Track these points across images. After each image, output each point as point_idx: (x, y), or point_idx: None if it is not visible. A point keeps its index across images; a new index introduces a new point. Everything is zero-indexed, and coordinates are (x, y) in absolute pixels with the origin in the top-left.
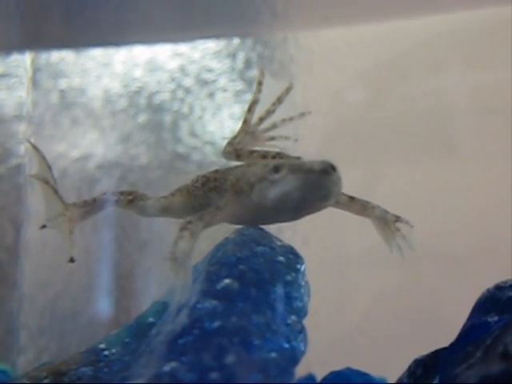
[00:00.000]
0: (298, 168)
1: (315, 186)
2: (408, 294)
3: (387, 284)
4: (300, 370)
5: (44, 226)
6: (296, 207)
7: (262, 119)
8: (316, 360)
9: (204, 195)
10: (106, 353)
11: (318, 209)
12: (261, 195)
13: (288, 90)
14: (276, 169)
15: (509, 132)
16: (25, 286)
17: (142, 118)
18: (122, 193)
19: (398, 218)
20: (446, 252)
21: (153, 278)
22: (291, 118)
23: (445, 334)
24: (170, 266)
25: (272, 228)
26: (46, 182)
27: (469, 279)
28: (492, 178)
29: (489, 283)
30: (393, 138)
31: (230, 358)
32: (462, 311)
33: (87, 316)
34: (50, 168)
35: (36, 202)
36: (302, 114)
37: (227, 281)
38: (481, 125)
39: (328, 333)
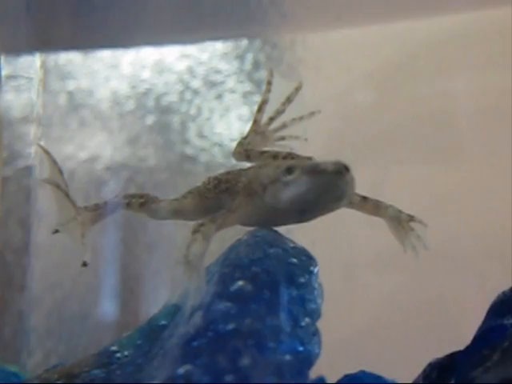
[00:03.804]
0: (312, 169)
1: (329, 187)
2: (417, 296)
3: (396, 286)
4: (310, 373)
5: (56, 231)
6: (309, 208)
7: (271, 119)
8: (326, 362)
9: (216, 197)
10: (119, 355)
11: (331, 210)
12: (274, 197)
13: (297, 89)
14: (289, 170)
15: None
16: (33, 288)
17: (150, 119)
18: (133, 196)
19: (411, 218)
20: (455, 254)
21: (161, 281)
22: (301, 118)
23: (455, 337)
24: (183, 269)
25: (281, 230)
26: (58, 186)
27: (478, 281)
28: (500, 180)
29: (499, 286)
30: (400, 139)
31: (244, 361)
32: (472, 314)
33: (95, 318)
34: (61, 172)
35: (45, 203)
36: (312, 114)
37: (241, 283)
38: (488, 126)
39: (337, 335)
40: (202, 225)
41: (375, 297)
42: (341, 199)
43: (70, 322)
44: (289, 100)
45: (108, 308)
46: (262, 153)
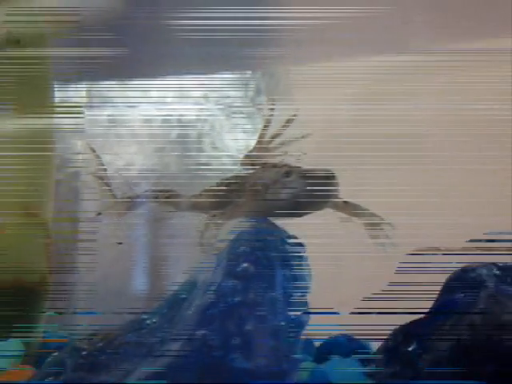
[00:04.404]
0: (305, 174)
1: (319, 189)
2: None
3: (372, 272)
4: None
5: (99, 214)
6: (302, 205)
7: (273, 138)
8: (312, 328)
9: (227, 195)
10: (148, 322)
11: (319, 208)
12: (274, 195)
13: (294, 116)
14: (287, 174)
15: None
16: (79, 270)
17: (173, 134)
18: (160, 190)
19: (382, 220)
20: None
21: (182, 263)
22: (296, 138)
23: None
24: (198, 251)
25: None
26: (101, 179)
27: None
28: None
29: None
30: (375, 149)
31: (248, 326)
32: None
33: (129, 294)
34: (105, 169)
35: (90, 202)
36: (305, 135)
37: (245, 265)
38: (446, 137)
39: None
40: (214, 216)
41: (354, 278)
42: (327, 198)
43: (108, 297)
44: (287, 123)
45: (139, 285)
46: (265, 163)
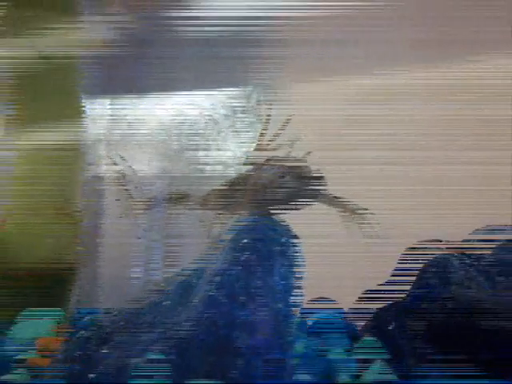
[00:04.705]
0: (298, 175)
1: (309, 187)
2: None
3: (354, 256)
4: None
5: (121, 216)
6: (296, 201)
7: (271, 141)
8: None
9: (231, 194)
10: (163, 303)
11: (303, 195)
12: (272, 195)
13: (288, 120)
14: (282, 175)
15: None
16: (103, 258)
17: (183, 140)
18: (174, 192)
19: (365, 211)
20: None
21: (191, 252)
22: (290, 142)
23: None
24: (206, 241)
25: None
26: (121, 183)
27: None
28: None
29: None
30: (360, 152)
31: (251, 307)
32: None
33: (145, 278)
34: (124, 174)
35: (110, 201)
36: (297, 139)
37: (248, 254)
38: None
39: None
40: (220, 212)
41: (339, 263)
42: (317, 196)
43: (127, 279)
44: (282, 128)
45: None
46: (262, 164)
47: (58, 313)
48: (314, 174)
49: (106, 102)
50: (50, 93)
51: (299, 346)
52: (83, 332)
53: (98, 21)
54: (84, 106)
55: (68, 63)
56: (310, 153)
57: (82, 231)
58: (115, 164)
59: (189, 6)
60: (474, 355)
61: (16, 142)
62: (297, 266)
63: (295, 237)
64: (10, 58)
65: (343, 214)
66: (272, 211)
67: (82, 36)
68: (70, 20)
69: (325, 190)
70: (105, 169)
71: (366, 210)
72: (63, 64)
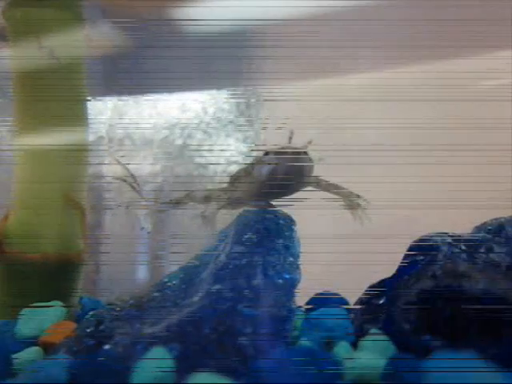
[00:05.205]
0: (279, 152)
1: (290, 163)
2: (359, 248)
3: (340, 248)
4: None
5: (127, 207)
6: (282, 179)
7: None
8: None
9: (232, 184)
10: (169, 284)
11: (299, 182)
12: (258, 172)
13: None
14: (266, 153)
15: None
16: (102, 253)
17: (178, 141)
18: (170, 200)
19: (359, 196)
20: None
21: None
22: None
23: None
24: (200, 221)
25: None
26: (124, 181)
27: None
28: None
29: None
30: (343, 152)
31: (254, 282)
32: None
33: (146, 271)
34: (129, 171)
35: (112, 198)
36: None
37: (249, 235)
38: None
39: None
40: (218, 195)
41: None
42: (302, 173)
43: (127, 273)
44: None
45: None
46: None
47: (60, 308)
48: (296, 150)
49: (107, 102)
50: (56, 91)
51: (299, 320)
52: (95, 311)
53: (100, 20)
54: (88, 106)
55: (73, 63)
56: (310, 142)
57: (88, 223)
58: (119, 162)
59: (189, 6)
60: (459, 323)
61: (21, 142)
62: (294, 246)
63: (291, 219)
64: (16, 58)
65: (344, 199)
66: (266, 196)
67: (86, 36)
68: (74, 20)
69: (310, 166)
70: (108, 167)
71: (359, 196)
72: (68, 64)
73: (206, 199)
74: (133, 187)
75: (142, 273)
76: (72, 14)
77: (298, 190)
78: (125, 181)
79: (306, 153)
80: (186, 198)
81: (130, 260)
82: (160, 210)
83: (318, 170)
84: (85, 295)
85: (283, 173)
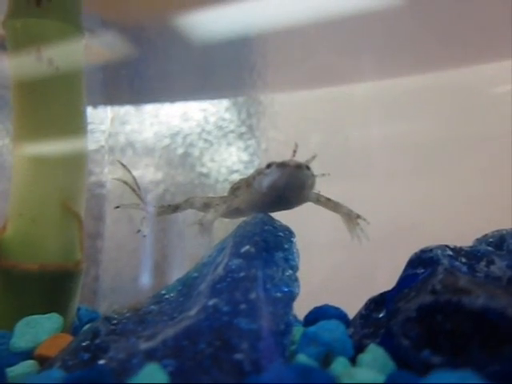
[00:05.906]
0: (281, 164)
1: (292, 176)
2: (358, 262)
3: (341, 258)
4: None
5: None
6: (283, 193)
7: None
8: (302, 299)
9: (233, 194)
10: (166, 296)
11: (299, 197)
12: (259, 184)
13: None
14: (268, 166)
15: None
16: (103, 261)
17: (179, 150)
18: (169, 205)
19: (358, 216)
20: (383, 239)
21: (188, 256)
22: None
23: (385, 282)
24: (197, 229)
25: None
26: (126, 183)
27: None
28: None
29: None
30: (335, 160)
31: (251, 296)
32: (394, 272)
33: (143, 281)
34: (131, 173)
35: (111, 205)
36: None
37: (247, 247)
38: (389, 154)
39: (309, 282)
40: (216, 203)
41: (327, 265)
42: (302, 187)
43: (127, 283)
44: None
45: (147, 275)
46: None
47: (57, 319)
48: (298, 164)
49: (107, 111)
50: (55, 101)
51: (297, 333)
52: (91, 324)
53: (101, 30)
54: (87, 114)
55: (72, 73)
56: (314, 157)
57: (86, 233)
58: (121, 165)
59: (189, 15)
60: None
61: (19, 151)
62: (292, 258)
63: (290, 231)
64: (16, 68)
65: (343, 217)
66: (265, 207)
67: (86, 45)
68: (74, 30)
69: (311, 181)
70: (108, 175)
71: (359, 216)
72: (67, 73)
73: (205, 207)
74: (133, 190)
75: (142, 281)
76: (71, 24)
77: (298, 205)
78: (126, 183)
79: (308, 167)
80: (184, 203)
81: (130, 268)
82: (159, 214)
83: (321, 180)
84: (82, 306)
85: (283, 186)
